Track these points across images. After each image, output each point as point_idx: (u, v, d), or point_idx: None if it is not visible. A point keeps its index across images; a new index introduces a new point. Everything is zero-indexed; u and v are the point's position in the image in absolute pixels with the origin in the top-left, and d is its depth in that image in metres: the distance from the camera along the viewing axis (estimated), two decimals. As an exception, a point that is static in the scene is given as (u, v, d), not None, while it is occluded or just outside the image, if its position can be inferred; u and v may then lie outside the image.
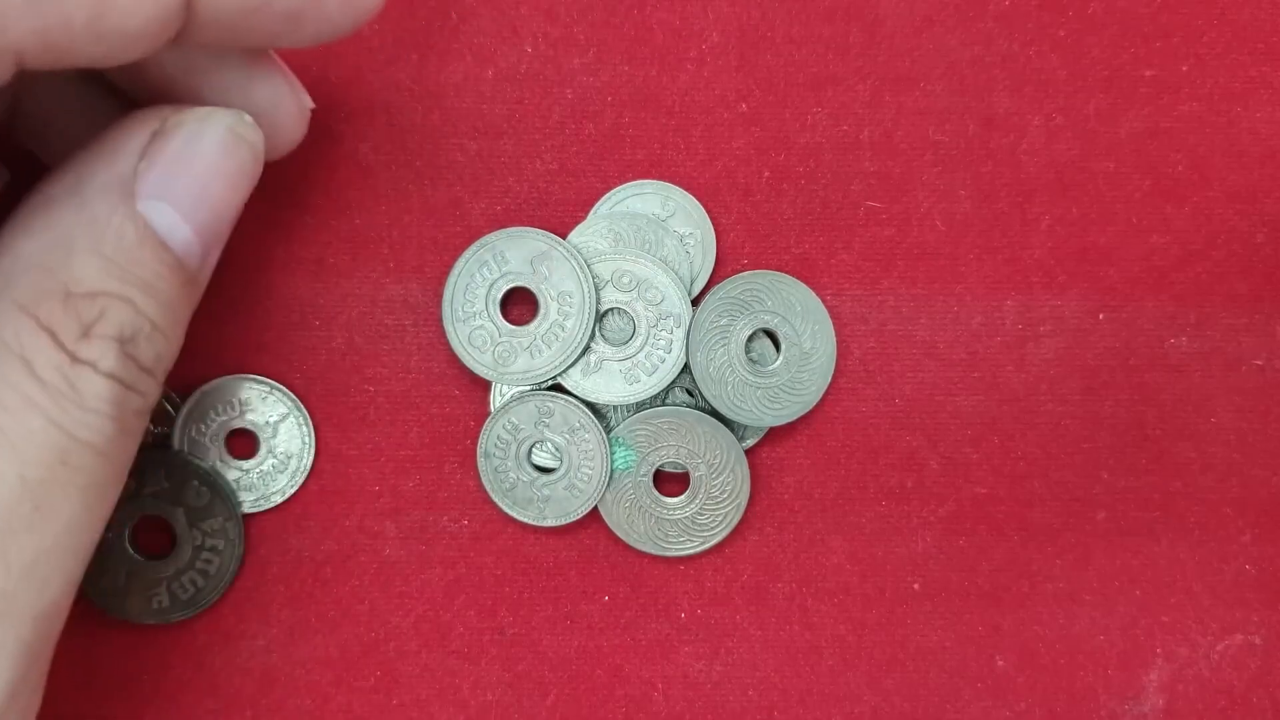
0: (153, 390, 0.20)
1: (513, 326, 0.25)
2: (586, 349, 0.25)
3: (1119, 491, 0.26)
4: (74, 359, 0.18)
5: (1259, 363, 0.26)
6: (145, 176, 0.19)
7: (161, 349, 0.20)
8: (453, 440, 0.26)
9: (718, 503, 0.25)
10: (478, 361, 0.25)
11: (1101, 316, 0.26)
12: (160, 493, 0.25)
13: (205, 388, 0.25)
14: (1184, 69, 0.26)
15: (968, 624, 0.26)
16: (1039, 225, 0.26)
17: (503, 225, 0.26)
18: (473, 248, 0.25)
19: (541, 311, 0.25)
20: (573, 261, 0.25)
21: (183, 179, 0.20)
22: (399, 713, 0.25)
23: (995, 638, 0.26)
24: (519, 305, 0.25)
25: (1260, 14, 0.26)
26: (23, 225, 0.19)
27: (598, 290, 0.25)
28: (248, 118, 0.21)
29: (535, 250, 0.25)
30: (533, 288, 0.25)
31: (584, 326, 0.25)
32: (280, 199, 0.25)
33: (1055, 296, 0.26)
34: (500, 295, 0.25)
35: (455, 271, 0.25)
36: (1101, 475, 0.26)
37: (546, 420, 0.25)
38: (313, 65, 0.25)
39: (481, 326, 0.25)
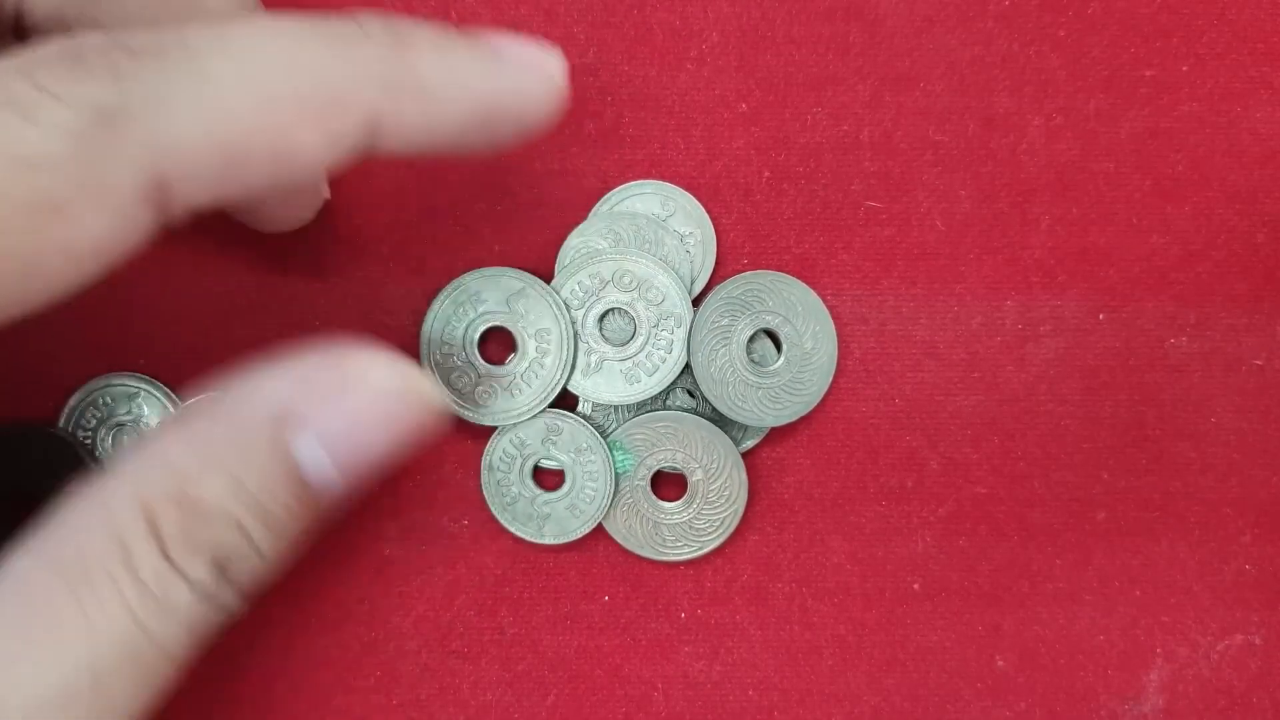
0: (238, 608, 0.20)
1: (491, 366, 0.25)
2: (565, 386, 0.25)
3: (1119, 491, 0.26)
4: (172, 566, 0.18)
5: (1259, 363, 0.26)
6: (317, 418, 0.19)
7: (258, 571, 0.20)
8: (453, 440, 0.26)
9: (715, 508, 0.25)
10: (457, 403, 0.25)
11: (1101, 316, 0.26)
12: None
13: (190, 401, 0.25)
14: (1184, 69, 0.26)
15: (968, 624, 0.26)
16: (1039, 225, 0.26)
17: (502, 225, 0.26)
18: (447, 289, 0.25)
19: (520, 350, 0.25)
20: (549, 299, 0.25)
21: (350, 429, 0.19)
22: (399, 713, 0.25)
23: (995, 638, 0.26)
24: (497, 344, 0.25)
25: (1260, 14, 0.26)
26: (177, 430, 0.19)
27: (575, 327, 0.25)
28: (429, 378, 0.20)
29: (511, 289, 0.25)
30: (510, 326, 0.25)
31: (563, 363, 0.25)
32: (280, 199, 0.25)
33: (1055, 296, 0.26)
34: (478, 335, 0.25)
35: (431, 313, 0.25)
36: (1101, 475, 0.26)
37: (554, 438, 0.25)
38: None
39: (460, 367, 0.25)
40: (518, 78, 0.20)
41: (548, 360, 0.25)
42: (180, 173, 0.17)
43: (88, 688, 0.18)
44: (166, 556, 0.18)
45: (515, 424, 0.25)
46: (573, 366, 0.25)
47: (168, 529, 0.18)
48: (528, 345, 0.25)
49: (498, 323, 0.25)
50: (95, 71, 0.17)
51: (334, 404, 0.19)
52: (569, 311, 0.25)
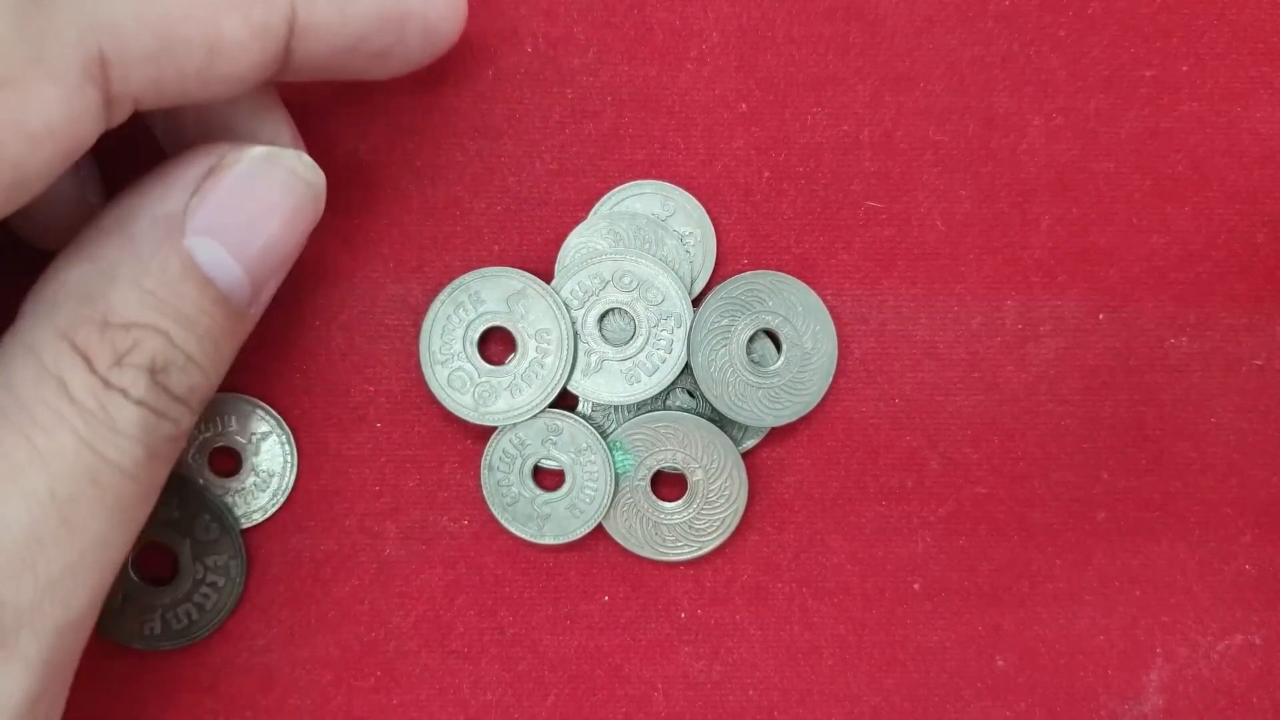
0: (186, 418, 0.20)
1: (491, 366, 0.25)
2: (565, 386, 0.25)
3: (1119, 491, 0.26)
4: (106, 384, 0.19)
5: (1259, 363, 0.26)
6: (195, 212, 0.20)
7: (196, 380, 0.20)
8: (453, 440, 0.26)
9: (715, 508, 0.25)
10: (457, 403, 0.25)
11: (1101, 316, 0.26)
12: (170, 521, 0.24)
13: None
14: (1184, 69, 0.26)
15: (968, 624, 0.26)
16: (1039, 225, 0.26)
17: (502, 225, 0.26)
18: (447, 289, 0.25)
19: (520, 350, 0.25)
20: (549, 299, 0.25)
21: (235, 216, 0.20)
22: (399, 713, 0.25)
23: (995, 638, 0.26)
24: (497, 344, 0.25)
25: (1260, 14, 0.26)
26: (74, 254, 0.20)
27: (575, 327, 0.25)
28: (307, 158, 0.21)
29: (511, 289, 0.25)
30: (510, 327, 0.25)
31: (563, 363, 0.25)
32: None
33: (1055, 296, 0.26)
34: (477, 336, 0.25)
35: (431, 314, 0.25)
36: (1101, 475, 0.26)
37: (554, 438, 0.25)
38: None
39: (460, 368, 0.25)
40: None
41: (548, 360, 0.25)
42: (117, 52, 0.18)
43: (56, 522, 0.18)
44: (98, 376, 0.19)
45: (515, 424, 0.25)
46: (573, 366, 0.25)
47: (93, 351, 0.19)
48: (528, 345, 0.25)
49: (498, 323, 0.25)
50: None
51: (212, 196, 0.20)
52: (569, 311, 0.25)
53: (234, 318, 0.21)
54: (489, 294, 0.25)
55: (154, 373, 0.19)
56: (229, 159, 0.20)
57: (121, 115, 0.19)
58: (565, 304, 0.25)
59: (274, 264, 0.21)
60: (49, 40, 0.17)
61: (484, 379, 0.25)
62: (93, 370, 0.19)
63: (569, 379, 0.25)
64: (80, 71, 0.17)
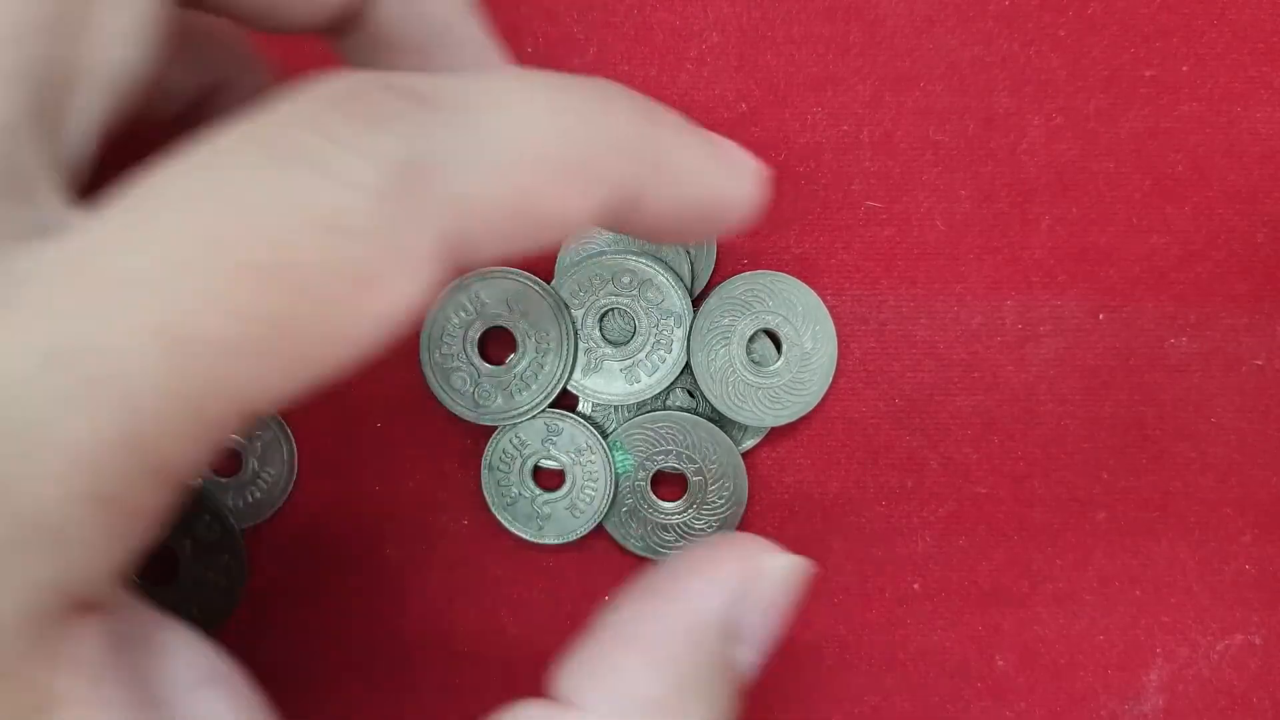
0: None
1: (491, 367, 0.25)
2: (565, 386, 0.25)
3: (1119, 491, 0.26)
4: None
5: (1259, 363, 0.26)
6: (747, 622, 0.19)
7: None
8: (453, 440, 0.26)
9: (714, 508, 0.25)
10: (457, 403, 0.25)
11: (1101, 316, 0.26)
12: (170, 522, 0.24)
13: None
14: (1184, 69, 0.26)
15: (968, 624, 0.26)
16: (1039, 225, 0.26)
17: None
18: (448, 289, 0.25)
19: (520, 350, 0.25)
20: (548, 299, 0.25)
21: (766, 627, 0.20)
22: (399, 713, 0.25)
23: (995, 638, 0.26)
24: (497, 345, 0.25)
25: (1260, 14, 0.26)
26: (643, 648, 0.19)
27: (575, 326, 0.25)
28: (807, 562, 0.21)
29: (511, 289, 0.25)
30: (510, 327, 0.25)
31: (564, 363, 0.25)
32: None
33: (1055, 296, 0.26)
34: (477, 336, 0.25)
35: (431, 314, 0.25)
36: (1101, 475, 0.26)
37: (554, 439, 0.25)
38: (313, 65, 0.25)
39: (460, 368, 0.25)
40: (739, 172, 0.20)
41: (548, 360, 0.25)
42: (470, 232, 0.16)
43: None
44: None
45: (515, 424, 0.25)
46: (573, 366, 0.25)
47: None
48: (528, 345, 0.25)
49: (498, 323, 0.25)
50: (390, 121, 0.15)
51: (757, 607, 0.20)
52: (569, 311, 0.25)
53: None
54: (489, 294, 0.25)
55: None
56: (768, 565, 0.20)
57: (453, 276, 0.17)
58: (565, 304, 0.25)
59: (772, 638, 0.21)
60: (412, 229, 0.15)
61: (484, 379, 0.25)
62: None
63: (569, 379, 0.25)
64: (435, 256, 0.15)
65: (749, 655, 0.20)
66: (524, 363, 0.25)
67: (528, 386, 0.25)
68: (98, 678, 0.15)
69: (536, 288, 0.25)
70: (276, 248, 0.14)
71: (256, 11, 0.19)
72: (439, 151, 0.15)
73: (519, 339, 0.25)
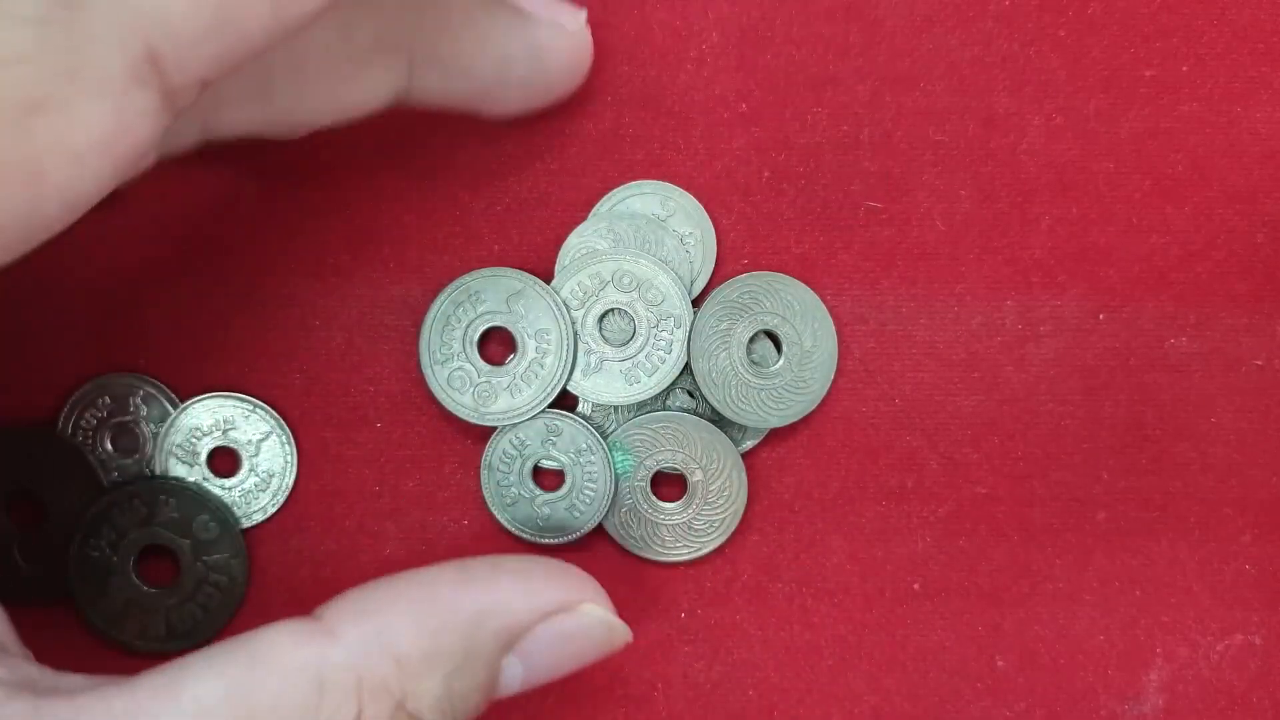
0: None
1: (491, 366, 0.25)
2: (565, 386, 0.25)
3: (1119, 491, 0.26)
4: None
5: (1259, 363, 0.26)
6: (534, 639, 0.20)
7: None
8: (453, 440, 0.26)
9: (714, 509, 0.25)
10: (457, 403, 0.25)
11: (1101, 316, 0.26)
12: (169, 522, 0.24)
13: (186, 405, 0.25)
14: (1184, 69, 0.26)
15: (968, 624, 0.26)
16: (1039, 225, 0.26)
17: (502, 225, 0.26)
18: (447, 289, 0.25)
19: (520, 350, 0.25)
20: (548, 299, 0.25)
21: (552, 657, 0.20)
22: (399, 713, 0.25)
23: (995, 638, 0.26)
24: (496, 345, 0.25)
25: (1260, 14, 0.26)
26: (420, 611, 0.19)
27: (575, 327, 0.25)
28: (630, 634, 0.21)
29: (511, 289, 0.25)
30: (510, 327, 0.25)
31: (563, 363, 0.25)
32: (280, 199, 0.25)
33: (1055, 296, 0.26)
34: (477, 335, 0.25)
35: (431, 314, 0.25)
36: (1101, 475, 0.26)
37: (554, 439, 0.25)
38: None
39: (460, 368, 0.25)
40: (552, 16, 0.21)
41: (548, 360, 0.25)
42: (168, 41, 0.16)
43: None
44: None
45: (515, 424, 0.25)
46: (573, 366, 0.25)
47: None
48: (527, 345, 0.25)
49: (498, 323, 0.25)
50: None
51: (551, 633, 0.20)
52: (569, 311, 0.25)
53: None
54: (489, 294, 0.25)
55: None
56: (585, 609, 0.20)
57: (187, 100, 0.17)
58: (565, 304, 0.25)
59: (535, 688, 0.21)
60: (84, 49, 0.15)
61: (484, 379, 0.25)
62: None
63: (569, 379, 0.25)
64: (126, 76, 0.15)
65: (517, 673, 0.20)
66: (524, 363, 0.25)
67: (528, 386, 0.25)
68: None
69: (536, 288, 0.25)
70: None
71: (282, 132, 0.19)
72: None
73: (519, 339, 0.25)
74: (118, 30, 0.15)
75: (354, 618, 0.19)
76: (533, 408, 0.25)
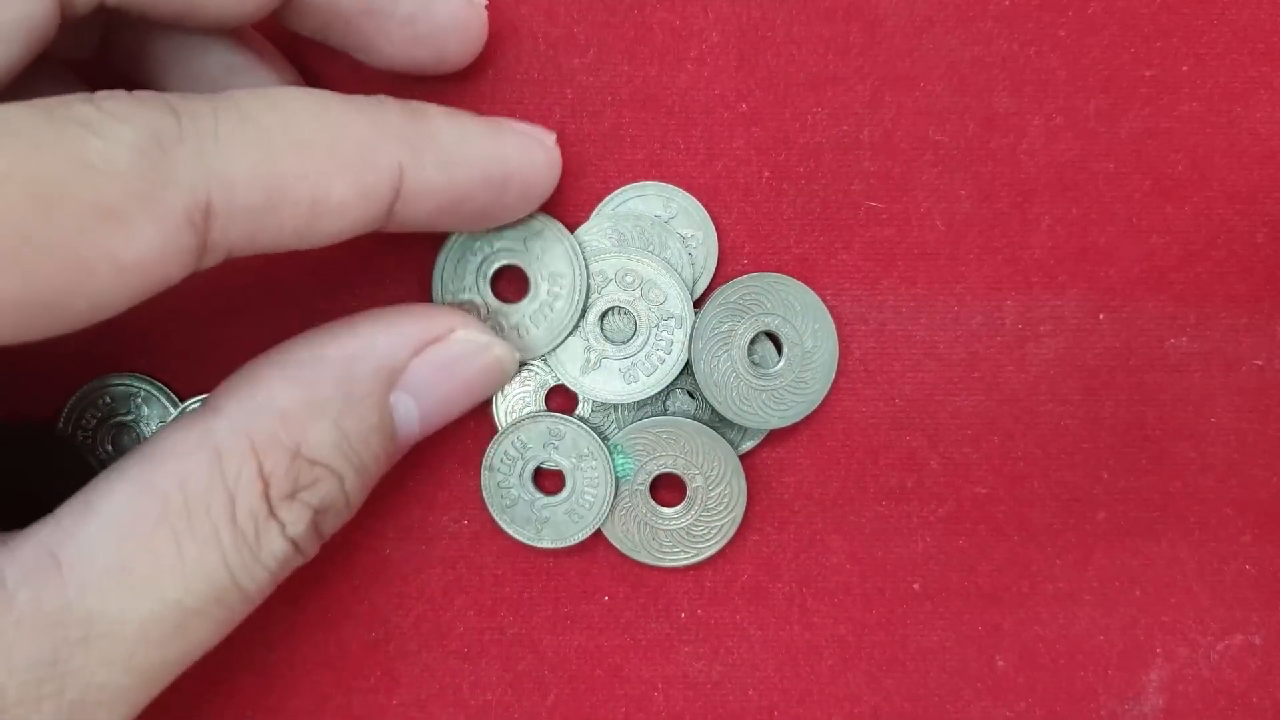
0: (314, 552, 0.21)
1: (501, 303, 0.25)
2: (575, 330, 0.25)
3: (1119, 491, 0.26)
4: (270, 513, 0.19)
5: (1259, 363, 0.26)
6: (414, 373, 0.21)
7: (343, 521, 0.21)
8: (453, 441, 0.26)
9: (714, 514, 0.25)
10: None
11: (1101, 316, 0.26)
12: None
13: (185, 405, 0.25)
14: (1184, 69, 0.26)
15: (968, 624, 0.26)
16: (1039, 225, 0.26)
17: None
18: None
19: (532, 290, 0.25)
20: (566, 242, 0.25)
21: (440, 387, 0.22)
22: (399, 713, 0.25)
23: (995, 638, 0.26)
24: (509, 283, 0.25)
25: (1260, 14, 0.26)
26: (290, 370, 0.20)
27: (590, 273, 0.25)
28: (518, 355, 0.23)
29: (529, 229, 0.25)
30: (524, 265, 0.25)
31: (574, 308, 0.24)
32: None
33: (1055, 296, 0.26)
34: (491, 271, 0.25)
35: (447, 246, 0.25)
36: (1101, 475, 0.26)
37: (556, 442, 0.25)
38: (312, 66, 0.25)
39: (470, 301, 0.25)
40: (519, 142, 0.22)
41: (558, 304, 0.25)
42: (224, 204, 0.18)
43: (173, 627, 0.19)
44: (269, 506, 0.19)
45: (517, 426, 0.25)
46: (582, 313, 0.25)
47: (276, 478, 0.19)
48: (540, 286, 0.25)
49: (513, 261, 0.25)
50: (153, 103, 0.18)
51: (431, 363, 0.21)
52: (585, 257, 0.25)
53: (391, 464, 0.22)
54: (507, 231, 0.25)
55: (317, 513, 0.20)
56: (459, 336, 0.22)
57: (213, 261, 0.19)
58: (583, 250, 0.25)
59: (440, 426, 0.22)
60: (163, 182, 0.18)
61: (492, 315, 0.25)
62: (266, 497, 0.19)
63: (577, 326, 0.25)
64: (184, 216, 0.18)
65: (412, 411, 0.21)
66: (534, 304, 0.25)
67: (535, 327, 0.25)
68: None
69: (555, 230, 0.25)
70: (38, 179, 0.16)
71: (178, 14, 0.20)
72: (201, 129, 0.18)
73: (532, 279, 0.25)
74: (192, 177, 0.18)
75: (232, 391, 0.20)
76: (539, 350, 0.25)
